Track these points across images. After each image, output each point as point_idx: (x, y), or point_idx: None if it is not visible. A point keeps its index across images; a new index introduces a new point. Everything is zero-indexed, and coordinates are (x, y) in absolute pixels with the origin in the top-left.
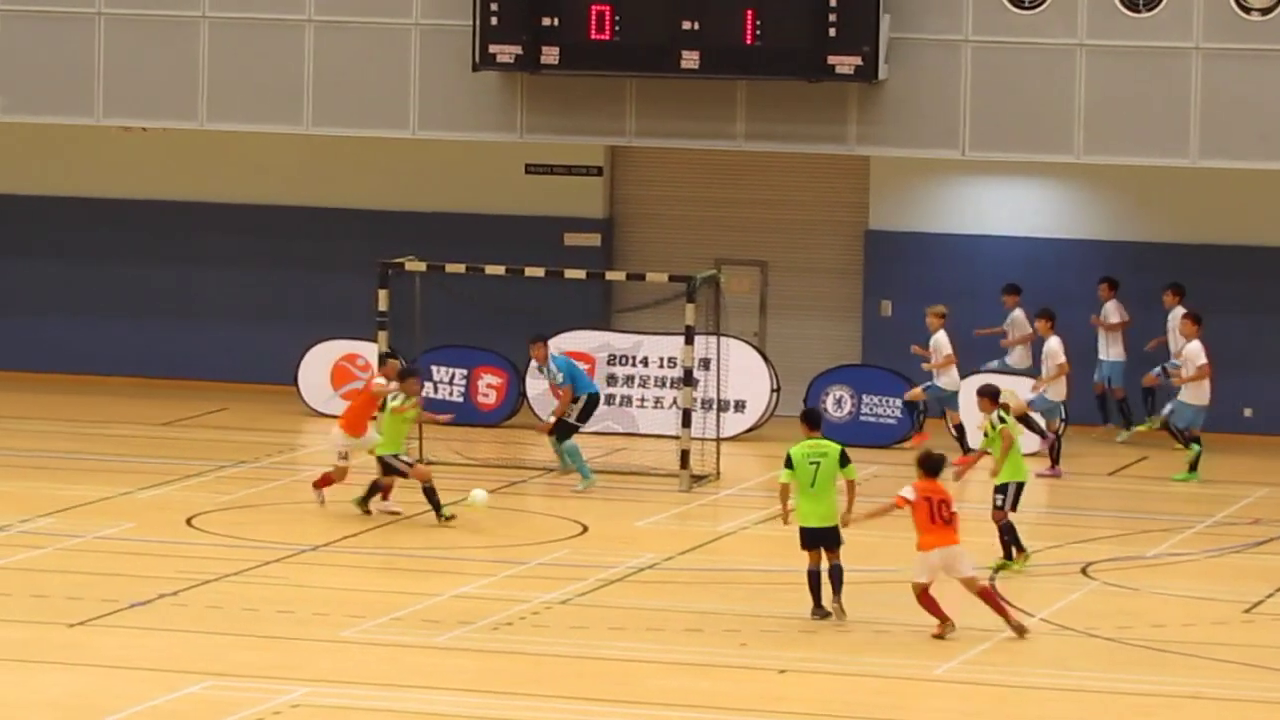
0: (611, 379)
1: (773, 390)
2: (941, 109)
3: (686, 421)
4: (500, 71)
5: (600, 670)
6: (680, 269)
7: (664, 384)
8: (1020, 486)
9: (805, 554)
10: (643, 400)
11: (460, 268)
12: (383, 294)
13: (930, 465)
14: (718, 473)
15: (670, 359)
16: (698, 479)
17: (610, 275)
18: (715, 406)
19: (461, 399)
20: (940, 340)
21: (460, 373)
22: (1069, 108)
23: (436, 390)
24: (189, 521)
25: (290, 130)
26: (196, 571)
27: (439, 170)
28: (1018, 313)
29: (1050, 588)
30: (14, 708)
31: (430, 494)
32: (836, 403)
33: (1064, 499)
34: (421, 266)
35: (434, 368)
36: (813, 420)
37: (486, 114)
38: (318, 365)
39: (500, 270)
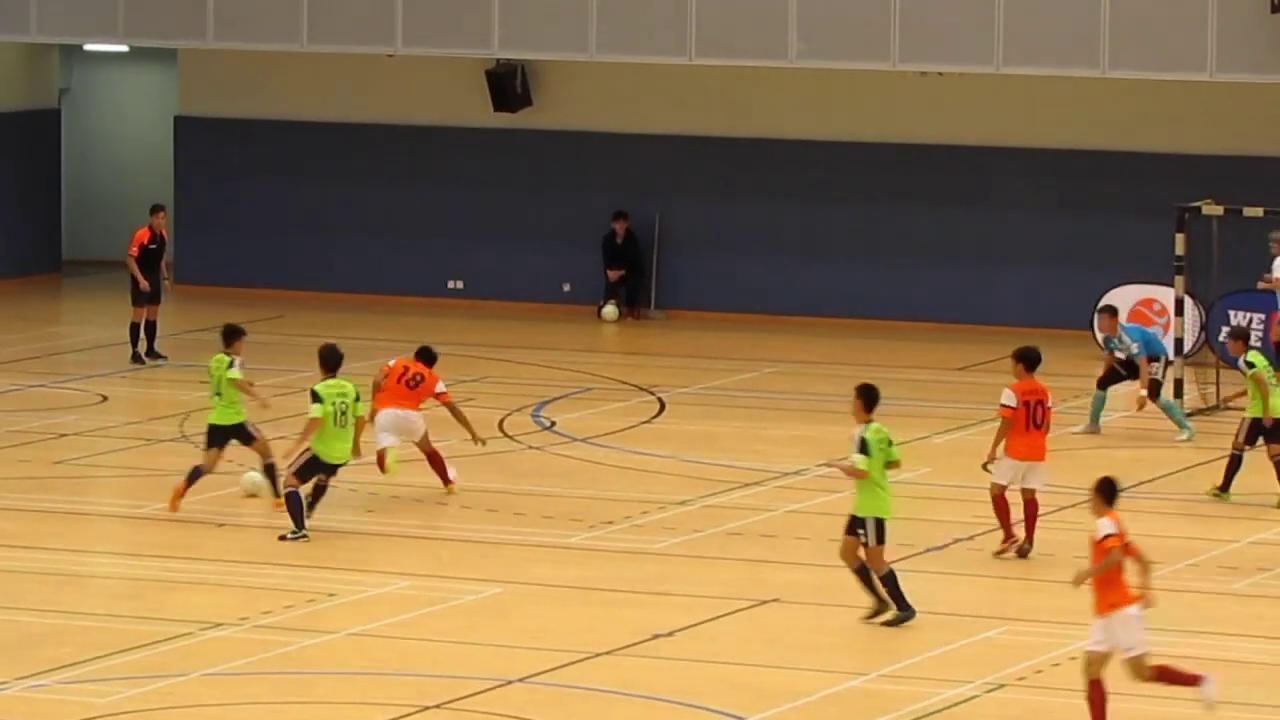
0: None
1: None
2: None
3: None
4: None
5: None
6: None
7: None
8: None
9: None
10: None
11: (1258, 211)
12: (1179, 237)
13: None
14: None
15: None
16: None
17: None
18: None
19: (1259, 344)
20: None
21: (1258, 316)
22: None
23: None
24: (984, 466)
25: (1086, 74)
26: (992, 516)
27: (1235, 111)
28: None
29: None
30: (812, 649)
31: None
32: None
33: None
34: (1219, 210)
35: (1231, 312)
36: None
37: None
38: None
39: None
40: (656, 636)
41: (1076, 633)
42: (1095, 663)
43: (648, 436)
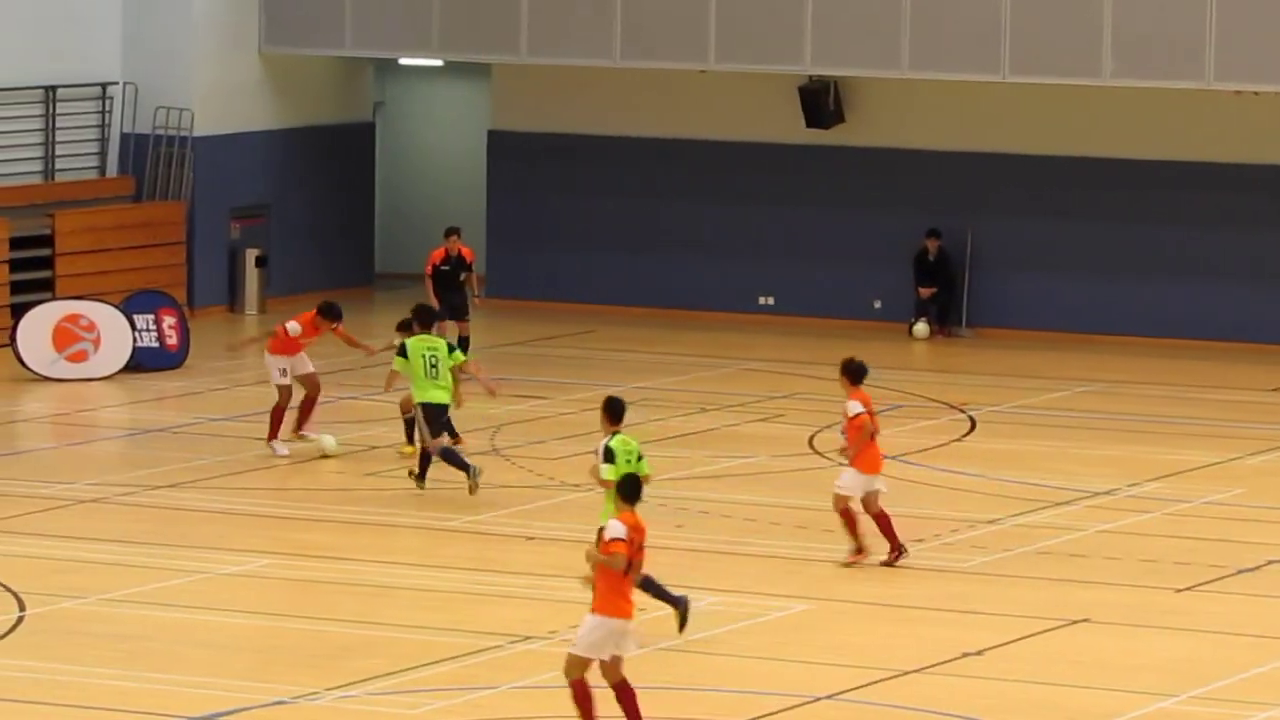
0: None
1: None
2: None
3: None
4: None
5: None
6: None
7: None
8: None
9: None
10: None
11: None
12: None
13: None
14: None
15: None
16: None
17: None
18: None
19: None
20: None
21: None
22: None
23: None
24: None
25: None
26: None
27: None
28: None
29: None
30: (1121, 670)
31: None
32: None
33: None
34: None
35: None
36: None
37: None
38: None
39: None
40: (965, 655)
41: None
42: (577, 666)
43: (958, 455)
